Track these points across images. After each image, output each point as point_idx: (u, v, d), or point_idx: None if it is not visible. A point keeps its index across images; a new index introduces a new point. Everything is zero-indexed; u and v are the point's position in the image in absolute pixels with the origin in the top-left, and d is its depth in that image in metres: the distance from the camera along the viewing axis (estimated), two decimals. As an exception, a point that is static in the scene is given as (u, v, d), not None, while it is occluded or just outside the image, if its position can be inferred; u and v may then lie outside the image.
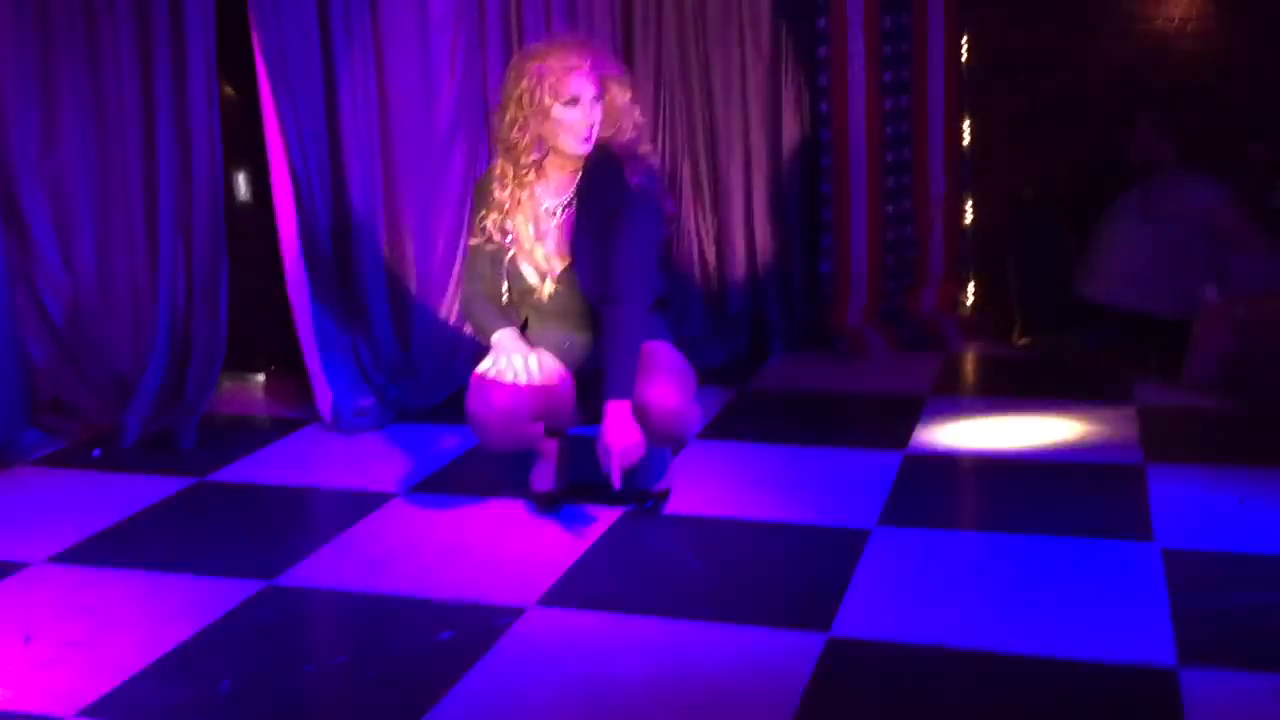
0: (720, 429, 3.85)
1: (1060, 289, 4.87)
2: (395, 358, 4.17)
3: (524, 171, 2.95)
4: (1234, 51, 5.93)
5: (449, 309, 4.25)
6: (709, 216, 4.69)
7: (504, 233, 2.98)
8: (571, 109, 2.83)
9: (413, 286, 4.22)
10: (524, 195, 2.97)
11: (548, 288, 2.98)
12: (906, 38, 4.73)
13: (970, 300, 5.04)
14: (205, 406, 3.93)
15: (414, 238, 4.20)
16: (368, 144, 4.08)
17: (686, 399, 2.92)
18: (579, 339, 3.03)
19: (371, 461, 3.65)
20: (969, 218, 4.97)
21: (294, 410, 4.16)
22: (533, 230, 2.97)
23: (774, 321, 4.71)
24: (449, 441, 3.74)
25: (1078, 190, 5.48)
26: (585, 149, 2.90)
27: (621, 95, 2.93)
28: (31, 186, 3.78)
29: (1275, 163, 4.94)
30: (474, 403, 2.88)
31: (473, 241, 3.05)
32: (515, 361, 2.88)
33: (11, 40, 3.83)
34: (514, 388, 2.86)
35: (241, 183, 4.47)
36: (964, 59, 4.88)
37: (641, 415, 2.82)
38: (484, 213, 3.00)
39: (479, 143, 4.27)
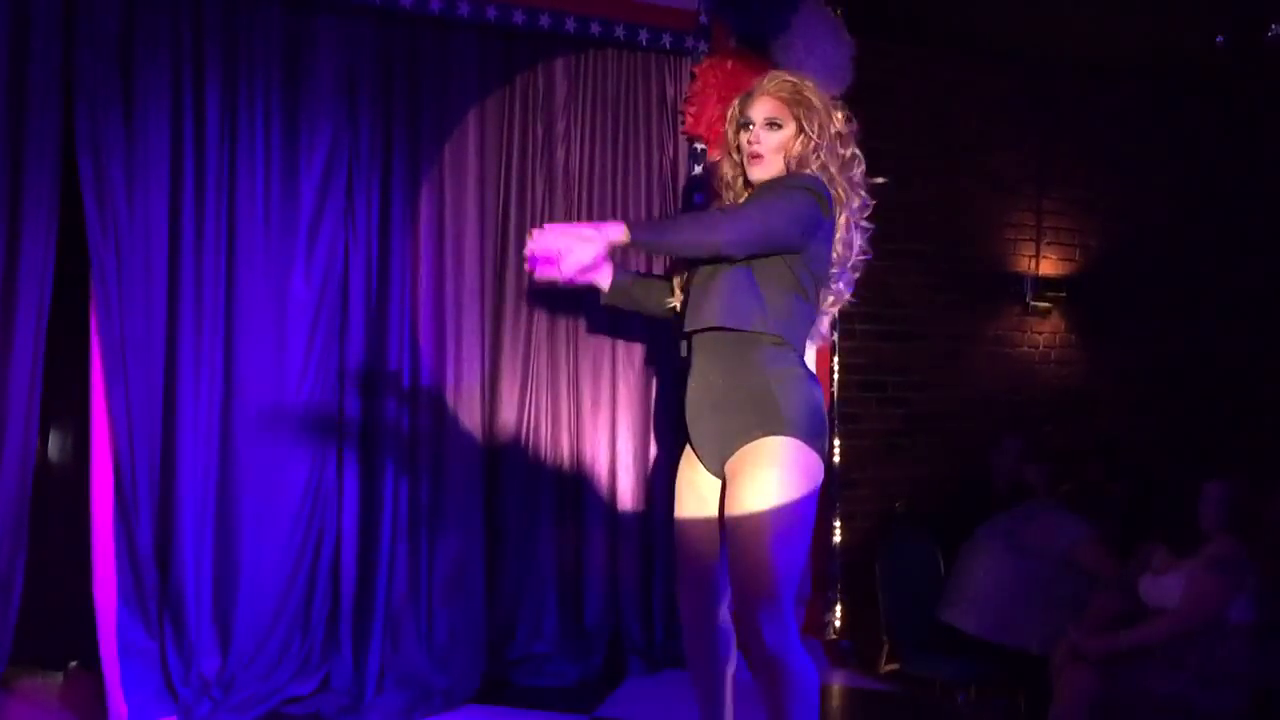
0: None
1: (928, 612, 4.73)
2: (209, 669, 3.77)
3: (729, 196, 2.96)
4: (1094, 379, 6.16)
5: (276, 617, 3.90)
6: (570, 523, 4.47)
7: None
8: (744, 132, 2.86)
9: (239, 589, 3.87)
10: None
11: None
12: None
13: (838, 622, 4.84)
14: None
15: (247, 535, 3.89)
16: (206, 435, 3.82)
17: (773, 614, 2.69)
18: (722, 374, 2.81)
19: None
20: (838, 535, 4.83)
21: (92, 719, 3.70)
22: None
23: (633, 638, 4.43)
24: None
25: (948, 509, 5.45)
26: (754, 173, 2.87)
27: (816, 128, 2.81)
28: None
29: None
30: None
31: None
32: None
33: None
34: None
35: (53, 456, 4.15)
36: (835, 374, 4.88)
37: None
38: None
39: (328, 437, 4.04)
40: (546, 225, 2.69)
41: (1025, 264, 5.98)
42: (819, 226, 2.78)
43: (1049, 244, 6.05)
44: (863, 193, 2.91)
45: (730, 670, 3.03)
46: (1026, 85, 5.92)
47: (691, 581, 2.98)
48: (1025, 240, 6.00)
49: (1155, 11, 5.10)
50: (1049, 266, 6.02)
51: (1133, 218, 6.25)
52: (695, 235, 2.69)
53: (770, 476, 2.72)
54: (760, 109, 2.84)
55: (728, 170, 2.97)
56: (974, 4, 5.15)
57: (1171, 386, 6.23)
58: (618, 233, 2.61)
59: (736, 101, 2.92)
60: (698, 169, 4.54)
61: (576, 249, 2.58)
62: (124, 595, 3.64)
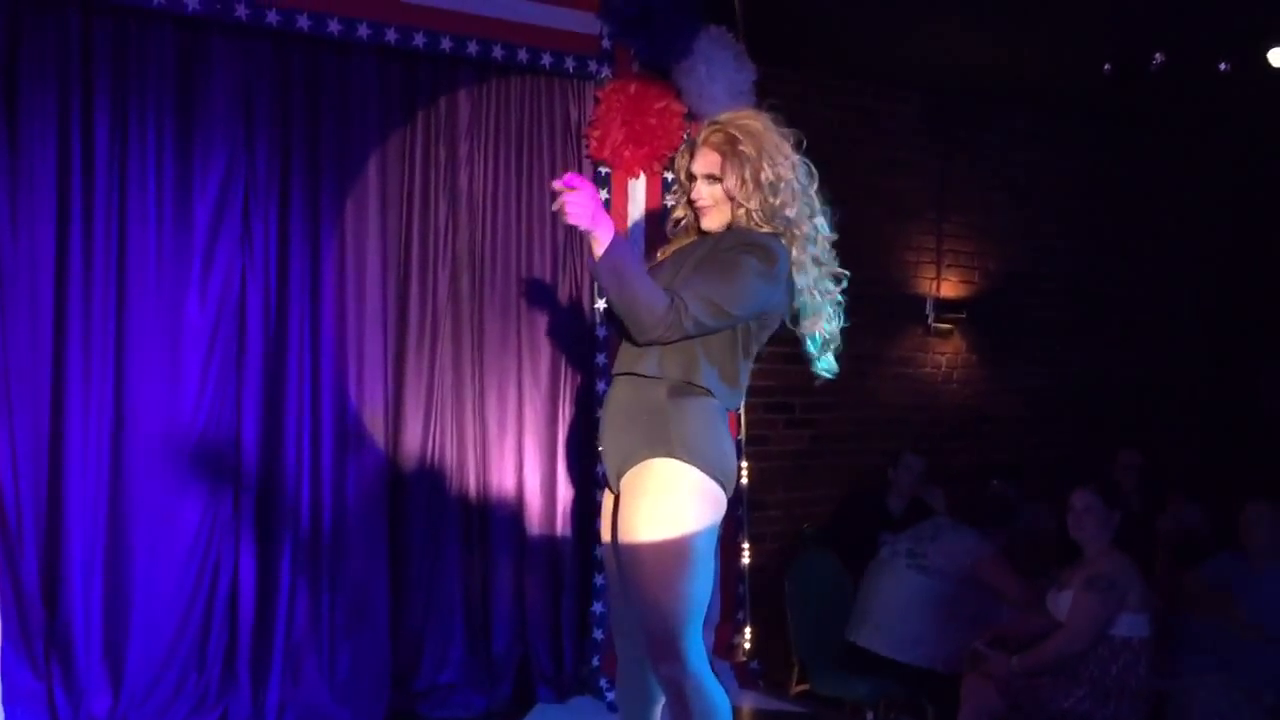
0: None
1: (837, 633, 4.76)
2: (100, 709, 3.63)
3: (674, 228, 2.93)
4: (994, 398, 6.28)
5: (171, 654, 3.78)
6: (476, 550, 4.41)
7: None
8: (691, 183, 2.81)
9: (132, 625, 3.74)
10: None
11: None
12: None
13: (748, 645, 4.84)
14: None
15: (140, 569, 3.77)
16: (95, 468, 3.69)
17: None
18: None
19: None
20: (747, 558, 4.84)
21: (-28, 767, 3.54)
22: None
23: (542, 666, 4.38)
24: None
25: (856, 530, 5.50)
26: (705, 223, 2.81)
27: (750, 176, 2.69)
28: None
29: (1011, 499, 5.07)
30: None
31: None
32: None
33: None
34: None
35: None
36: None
37: None
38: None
39: (225, 466, 3.93)
40: (578, 183, 2.52)
41: (926, 286, 6.09)
42: (765, 299, 2.68)
43: (949, 266, 6.16)
44: (818, 224, 2.81)
45: (659, 709, 2.94)
46: (925, 112, 6.05)
47: (619, 618, 2.89)
48: (926, 263, 6.11)
49: (1047, 42, 5.24)
50: (949, 289, 6.13)
51: (1030, 240, 6.41)
52: (644, 299, 2.56)
53: (656, 505, 2.59)
54: (699, 164, 2.78)
55: (680, 213, 2.90)
56: (874, 34, 5.24)
57: (1070, 404, 6.38)
58: (600, 238, 2.53)
59: (684, 146, 2.88)
60: (603, 193, 4.54)
61: (574, 214, 2.51)
62: (8, 635, 3.50)
